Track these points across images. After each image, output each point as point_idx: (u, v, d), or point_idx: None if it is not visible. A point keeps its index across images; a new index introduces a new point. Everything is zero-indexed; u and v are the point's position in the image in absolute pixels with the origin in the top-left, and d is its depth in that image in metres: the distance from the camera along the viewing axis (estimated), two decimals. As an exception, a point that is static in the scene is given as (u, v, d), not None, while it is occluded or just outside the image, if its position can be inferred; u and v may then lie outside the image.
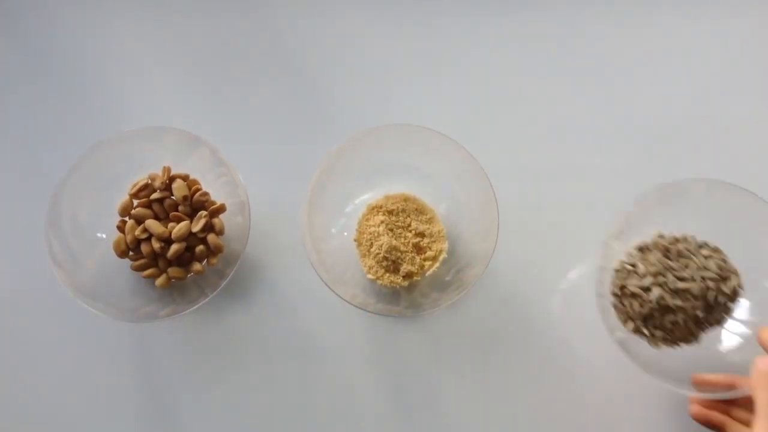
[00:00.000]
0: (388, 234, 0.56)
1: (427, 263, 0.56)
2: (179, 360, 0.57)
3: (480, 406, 0.56)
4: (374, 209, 0.57)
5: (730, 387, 0.46)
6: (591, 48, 0.64)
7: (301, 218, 0.54)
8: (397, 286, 0.56)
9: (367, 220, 0.57)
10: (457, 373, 0.56)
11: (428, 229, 0.57)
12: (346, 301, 0.52)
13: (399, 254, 0.55)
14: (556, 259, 0.58)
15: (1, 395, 0.57)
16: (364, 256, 0.56)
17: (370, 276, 0.56)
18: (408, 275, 0.55)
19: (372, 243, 0.56)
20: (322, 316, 0.58)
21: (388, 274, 0.55)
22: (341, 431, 0.55)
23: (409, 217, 0.57)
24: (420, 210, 0.58)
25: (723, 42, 0.64)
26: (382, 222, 0.56)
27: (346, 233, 0.59)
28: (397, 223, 0.57)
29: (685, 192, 0.52)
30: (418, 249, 0.57)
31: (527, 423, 0.55)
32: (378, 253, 0.55)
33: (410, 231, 0.57)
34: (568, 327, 0.57)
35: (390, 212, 0.57)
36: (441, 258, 0.56)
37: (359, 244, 0.57)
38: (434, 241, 0.57)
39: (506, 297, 0.58)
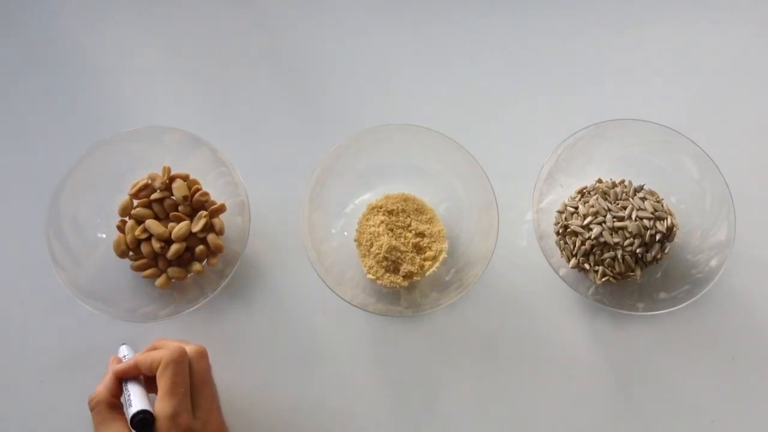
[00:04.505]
0: (388, 234, 0.56)
1: (427, 263, 0.56)
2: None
3: (480, 406, 0.56)
4: (374, 209, 0.57)
5: (136, 368, 0.46)
6: (592, 48, 0.64)
7: (301, 218, 0.54)
8: (397, 286, 0.56)
9: (367, 220, 0.57)
10: (458, 373, 0.56)
11: (428, 229, 0.57)
12: (346, 301, 0.52)
13: (399, 254, 0.55)
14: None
15: (0, 395, 0.57)
16: (364, 256, 0.56)
17: (370, 276, 0.56)
18: (408, 275, 0.55)
19: (372, 243, 0.56)
20: (322, 316, 0.58)
21: (388, 274, 0.55)
22: (341, 431, 0.55)
23: (409, 217, 0.57)
24: (420, 210, 0.58)
25: (723, 44, 0.64)
26: (382, 222, 0.56)
27: (346, 233, 0.59)
28: (397, 223, 0.57)
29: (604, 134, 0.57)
30: (418, 249, 0.57)
31: (527, 422, 0.55)
32: (378, 253, 0.55)
33: (410, 231, 0.57)
34: (566, 326, 0.57)
35: (390, 212, 0.57)
36: (441, 258, 0.56)
37: (359, 244, 0.57)
38: (434, 241, 0.57)
39: (506, 297, 0.58)
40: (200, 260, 0.56)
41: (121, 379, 0.46)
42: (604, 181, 0.57)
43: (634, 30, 0.65)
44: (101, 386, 0.45)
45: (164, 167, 0.57)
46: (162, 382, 0.43)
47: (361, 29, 0.66)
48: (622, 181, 0.57)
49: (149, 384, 0.47)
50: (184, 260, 0.56)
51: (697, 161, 0.55)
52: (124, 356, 0.49)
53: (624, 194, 0.55)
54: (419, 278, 0.56)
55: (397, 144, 0.58)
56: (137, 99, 0.64)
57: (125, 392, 0.45)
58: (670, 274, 0.56)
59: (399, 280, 0.55)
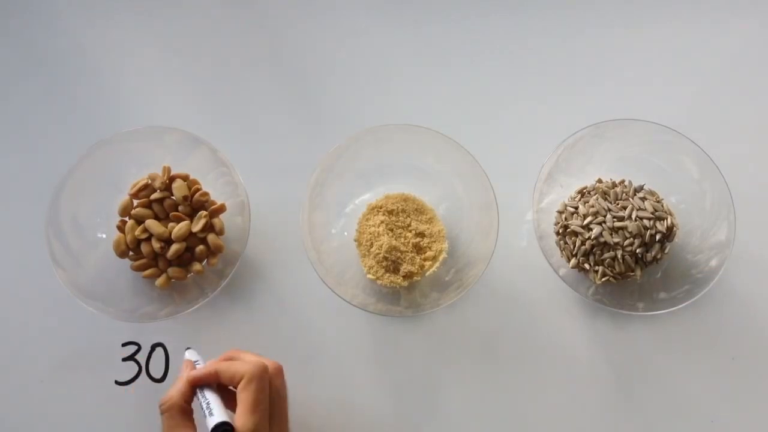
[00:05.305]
0: (388, 234, 0.56)
1: (427, 263, 0.56)
2: (179, 360, 0.57)
3: (480, 406, 0.56)
4: (374, 209, 0.57)
5: (215, 376, 0.45)
6: (592, 48, 0.64)
7: (301, 218, 0.54)
8: (397, 286, 0.56)
9: (367, 220, 0.57)
10: (457, 373, 0.56)
11: (428, 229, 0.57)
12: (346, 301, 0.52)
13: (399, 254, 0.55)
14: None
15: (0, 395, 0.57)
16: (364, 256, 0.56)
17: (370, 276, 0.56)
18: (408, 275, 0.55)
19: (372, 243, 0.56)
20: (322, 316, 0.58)
21: (388, 274, 0.55)
22: (341, 431, 0.55)
23: (409, 217, 0.57)
24: (420, 210, 0.58)
25: (723, 44, 0.64)
26: (382, 222, 0.56)
27: (346, 233, 0.59)
28: (397, 223, 0.57)
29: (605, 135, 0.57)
30: (418, 249, 0.57)
31: (527, 422, 0.55)
32: (378, 253, 0.55)
33: (410, 231, 0.57)
34: (566, 326, 0.57)
35: (390, 212, 0.57)
36: (441, 258, 0.56)
37: (359, 244, 0.57)
38: (434, 241, 0.57)
39: (506, 297, 0.58)
40: (200, 260, 0.56)
41: (195, 386, 0.45)
42: (604, 181, 0.57)
43: (634, 30, 0.65)
44: (174, 390, 0.45)
45: (164, 167, 0.57)
46: (244, 397, 0.43)
47: (361, 29, 0.66)
48: (622, 181, 0.57)
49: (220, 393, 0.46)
50: (184, 260, 0.56)
51: (697, 161, 0.55)
52: (196, 361, 0.48)
53: (624, 194, 0.55)
54: (419, 278, 0.56)
55: (397, 144, 0.58)
56: (137, 99, 0.64)
57: (201, 399, 0.44)
58: (670, 274, 0.56)
59: (399, 280, 0.55)
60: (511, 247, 0.59)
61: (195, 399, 0.45)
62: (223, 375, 0.45)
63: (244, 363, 0.44)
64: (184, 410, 0.44)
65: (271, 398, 0.45)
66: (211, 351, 0.57)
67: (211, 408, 0.43)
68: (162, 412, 0.44)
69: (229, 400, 0.45)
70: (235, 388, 0.44)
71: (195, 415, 0.45)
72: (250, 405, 0.43)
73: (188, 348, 0.50)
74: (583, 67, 0.64)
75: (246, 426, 0.42)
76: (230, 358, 0.47)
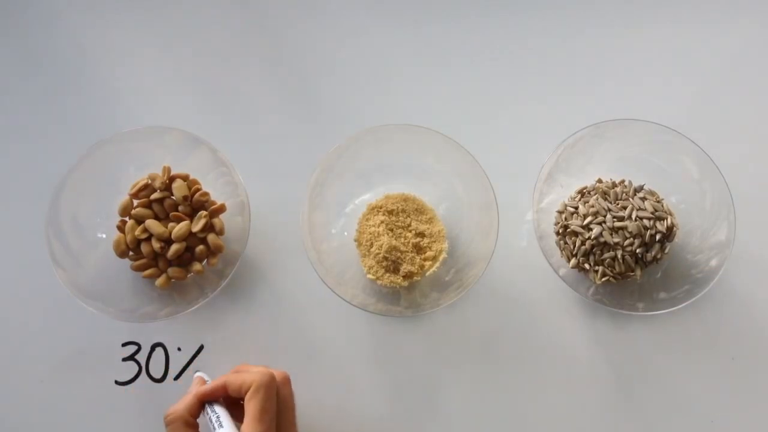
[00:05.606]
0: (388, 234, 0.56)
1: (427, 263, 0.56)
2: (179, 360, 0.57)
3: (480, 406, 0.56)
4: (374, 209, 0.57)
5: (223, 389, 0.46)
6: (592, 48, 0.64)
7: (301, 218, 0.54)
8: (397, 286, 0.56)
9: (367, 220, 0.57)
10: (457, 373, 0.56)
11: (428, 229, 0.57)
12: (346, 301, 0.52)
13: (399, 254, 0.55)
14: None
15: (0, 395, 0.57)
16: (364, 256, 0.56)
17: (370, 276, 0.56)
18: (408, 275, 0.55)
19: (372, 243, 0.56)
20: (322, 316, 0.58)
21: (388, 274, 0.55)
22: (341, 431, 0.55)
23: (409, 217, 0.57)
24: (420, 210, 0.58)
25: (723, 44, 0.64)
26: (382, 222, 0.56)
27: (346, 233, 0.59)
28: (397, 223, 0.57)
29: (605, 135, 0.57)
30: (418, 249, 0.57)
31: (527, 423, 0.55)
32: (378, 253, 0.55)
33: (410, 231, 0.57)
34: (566, 326, 0.57)
35: (390, 212, 0.57)
36: (441, 258, 0.56)
37: (359, 244, 0.57)
38: (434, 241, 0.57)
39: (506, 297, 0.58)
40: (200, 260, 0.56)
41: (204, 401, 0.46)
42: (604, 181, 0.57)
43: (634, 30, 0.65)
44: (181, 404, 0.45)
45: (164, 167, 0.57)
46: (251, 406, 0.43)
47: (361, 29, 0.66)
48: (622, 181, 0.57)
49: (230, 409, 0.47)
50: (184, 260, 0.56)
51: (697, 161, 0.55)
52: (206, 381, 0.49)
53: (624, 194, 0.55)
54: (419, 278, 0.56)
55: (397, 144, 0.58)
56: (137, 99, 0.64)
57: (211, 413, 0.45)
58: (670, 274, 0.56)
59: (399, 280, 0.55)
60: (511, 247, 0.59)
61: (203, 415, 0.45)
62: (230, 386, 0.45)
63: (251, 373, 0.45)
64: (189, 423, 0.45)
65: (278, 408, 0.45)
66: (210, 351, 0.57)
67: (221, 420, 0.44)
68: (167, 425, 0.44)
69: (239, 416, 0.45)
70: (243, 398, 0.44)
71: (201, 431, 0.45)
72: (257, 414, 0.43)
73: (197, 371, 0.52)
74: (583, 67, 0.64)
75: None
76: (238, 371, 0.47)
